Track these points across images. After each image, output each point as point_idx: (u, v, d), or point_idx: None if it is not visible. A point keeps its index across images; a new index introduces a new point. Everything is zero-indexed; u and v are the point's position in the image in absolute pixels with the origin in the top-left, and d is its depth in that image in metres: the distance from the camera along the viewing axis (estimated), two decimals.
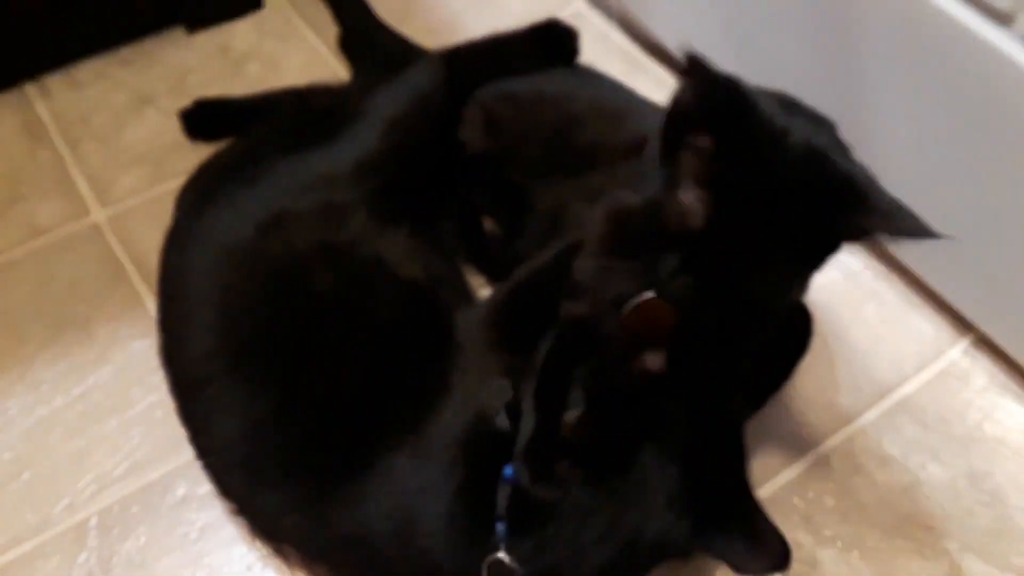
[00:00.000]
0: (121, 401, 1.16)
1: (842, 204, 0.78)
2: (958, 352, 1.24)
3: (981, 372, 1.21)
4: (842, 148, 0.84)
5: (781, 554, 0.81)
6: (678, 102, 0.80)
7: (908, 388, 1.20)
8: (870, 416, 1.17)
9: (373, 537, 0.91)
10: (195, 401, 1.03)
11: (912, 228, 0.78)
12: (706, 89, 0.77)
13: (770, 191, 0.77)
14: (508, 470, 0.87)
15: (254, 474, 0.97)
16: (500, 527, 0.86)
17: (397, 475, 0.91)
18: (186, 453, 1.06)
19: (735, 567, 0.84)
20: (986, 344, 1.23)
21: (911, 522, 1.08)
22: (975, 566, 1.05)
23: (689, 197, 0.78)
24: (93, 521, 1.06)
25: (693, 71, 0.76)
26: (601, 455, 0.84)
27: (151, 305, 1.24)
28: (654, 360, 0.81)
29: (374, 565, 0.94)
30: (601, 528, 0.84)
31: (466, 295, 1.17)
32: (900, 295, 1.30)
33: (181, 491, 1.08)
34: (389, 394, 0.96)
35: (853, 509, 1.09)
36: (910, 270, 1.29)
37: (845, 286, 1.31)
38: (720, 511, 0.84)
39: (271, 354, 0.99)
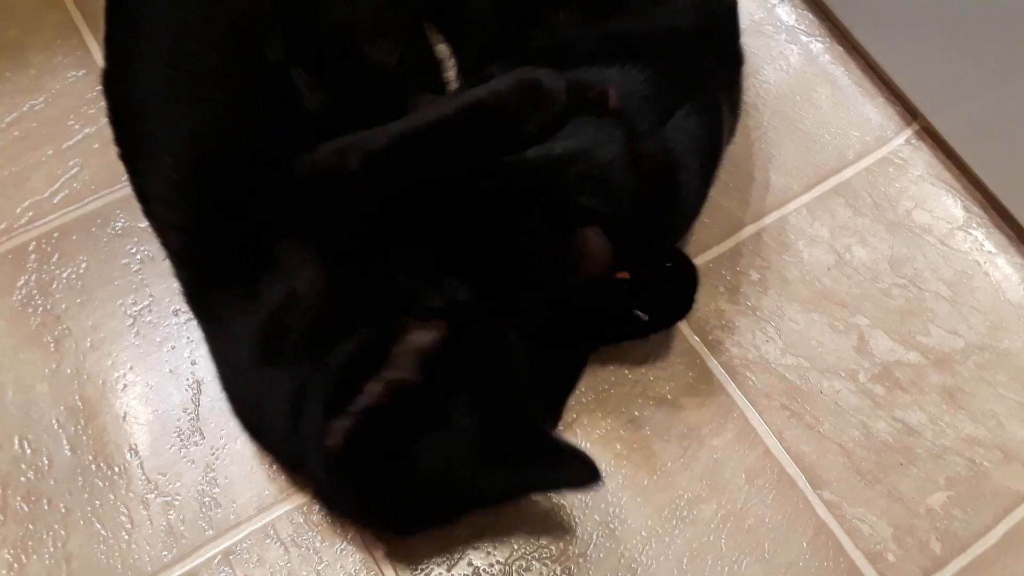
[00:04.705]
0: (57, 130, 1.14)
1: None
2: (901, 140, 1.25)
3: (920, 162, 1.24)
4: None
5: (591, 470, 0.87)
6: None
7: (848, 173, 1.22)
8: (806, 198, 1.20)
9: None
10: (131, 138, 1.02)
11: None
12: None
13: None
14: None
15: (173, 217, 0.98)
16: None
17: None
18: (126, 186, 1.06)
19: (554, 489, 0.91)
20: (929, 134, 1.25)
21: (828, 298, 1.14)
22: (882, 342, 1.12)
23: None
24: (32, 246, 1.07)
25: None
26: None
27: (86, 34, 1.19)
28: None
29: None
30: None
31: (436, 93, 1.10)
32: (855, 80, 1.29)
33: (121, 223, 1.09)
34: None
35: (776, 284, 1.14)
36: (867, 53, 1.28)
37: (802, 68, 1.29)
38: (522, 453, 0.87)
39: (205, 112, 0.96)
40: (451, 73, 1.18)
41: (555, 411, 1.02)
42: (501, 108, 0.86)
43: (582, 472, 0.87)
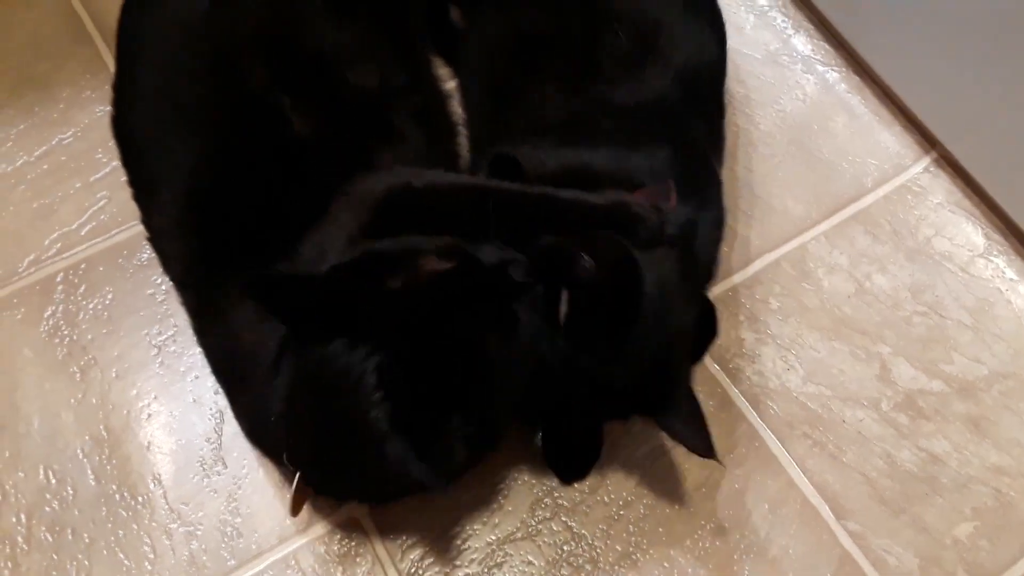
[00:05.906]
0: (85, 163, 1.16)
1: None
2: (920, 168, 1.25)
3: (939, 189, 1.24)
4: None
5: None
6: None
7: (866, 201, 1.22)
8: (825, 226, 1.20)
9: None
10: (137, 177, 1.04)
11: None
12: None
13: None
14: None
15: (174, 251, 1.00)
16: None
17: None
18: None
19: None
20: (948, 162, 1.25)
21: (849, 326, 1.14)
22: (904, 370, 1.11)
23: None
24: (60, 277, 1.09)
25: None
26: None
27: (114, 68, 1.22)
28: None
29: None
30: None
31: (431, 116, 1.12)
32: (872, 108, 1.29)
33: (147, 254, 1.10)
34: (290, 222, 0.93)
35: (796, 312, 1.14)
36: (884, 83, 1.28)
37: (819, 96, 1.30)
38: None
39: (193, 145, 0.97)
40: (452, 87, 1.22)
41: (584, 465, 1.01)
42: (583, 220, 0.90)
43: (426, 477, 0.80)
